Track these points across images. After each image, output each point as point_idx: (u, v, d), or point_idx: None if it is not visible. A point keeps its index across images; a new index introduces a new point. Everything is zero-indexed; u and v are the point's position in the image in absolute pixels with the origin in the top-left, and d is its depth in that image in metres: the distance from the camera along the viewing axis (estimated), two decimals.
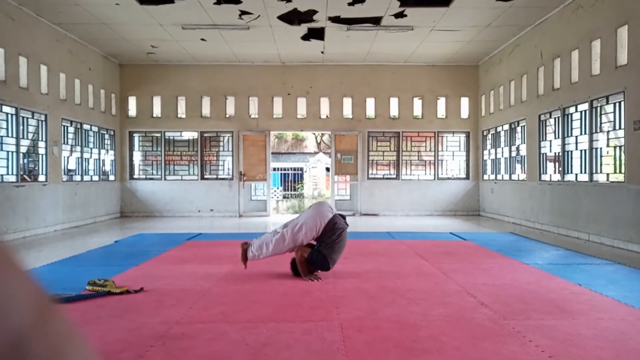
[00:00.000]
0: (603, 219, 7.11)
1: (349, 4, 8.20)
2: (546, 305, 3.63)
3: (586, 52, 7.57)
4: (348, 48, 10.91)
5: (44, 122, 8.88)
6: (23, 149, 8.39)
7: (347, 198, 12.73)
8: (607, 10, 7.05)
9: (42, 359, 0.35)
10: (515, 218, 10.26)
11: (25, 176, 8.50)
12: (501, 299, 3.82)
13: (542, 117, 9.08)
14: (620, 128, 6.81)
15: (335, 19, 8.99)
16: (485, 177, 12.16)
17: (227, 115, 12.40)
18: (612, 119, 7.08)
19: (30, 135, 8.61)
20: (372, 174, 12.57)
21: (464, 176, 12.60)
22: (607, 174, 7.19)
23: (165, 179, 12.35)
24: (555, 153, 8.80)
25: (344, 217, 4.65)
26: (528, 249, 6.56)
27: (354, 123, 12.46)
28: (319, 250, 4.49)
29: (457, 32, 9.69)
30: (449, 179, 12.59)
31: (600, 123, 7.37)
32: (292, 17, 8.86)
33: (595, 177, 7.40)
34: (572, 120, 8.12)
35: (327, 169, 23.89)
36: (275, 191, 22.20)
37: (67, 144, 9.85)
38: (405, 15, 8.75)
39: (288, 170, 26.65)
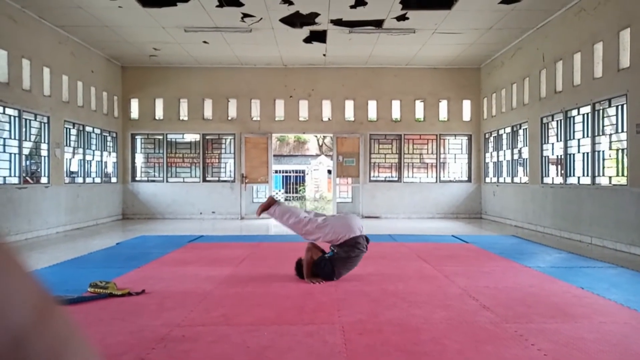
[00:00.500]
0: (606, 222, 7.08)
1: (351, 7, 8.21)
2: (548, 309, 3.62)
3: (588, 55, 7.56)
4: (350, 51, 10.92)
5: (46, 124, 8.91)
6: (26, 151, 8.41)
7: (349, 200, 12.72)
8: (609, 13, 7.04)
9: (42, 358, 0.35)
10: (517, 221, 10.24)
11: (27, 178, 8.52)
12: (503, 302, 3.80)
13: (545, 120, 9.07)
14: (622, 131, 6.79)
15: (338, 22, 9.00)
16: (488, 179, 12.14)
17: (229, 118, 12.42)
18: (614, 122, 7.06)
19: (32, 137, 8.64)
20: (373, 176, 12.56)
21: (466, 179, 12.59)
22: (610, 177, 7.17)
23: (167, 181, 12.36)
24: (557, 156, 8.79)
25: (368, 240, 4.65)
26: (530, 252, 6.55)
27: (356, 125, 12.46)
28: (330, 260, 4.49)
29: (459, 34, 9.69)
30: (451, 181, 12.58)
31: (603, 126, 7.35)
32: (294, 20, 8.87)
33: (598, 180, 7.38)
34: (574, 123, 8.10)
35: (329, 172, 23.89)
36: (277, 193, 22.21)
37: (70, 146, 9.87)
38: (408, 18, 8.76)
39: (290, 172, 26.67)
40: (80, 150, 10.28)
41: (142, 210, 12.24)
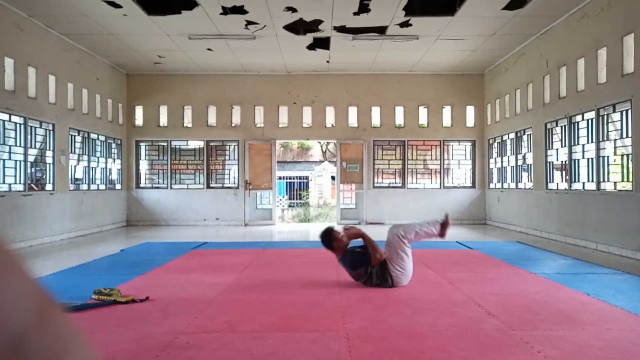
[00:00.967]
0: (611, 228, 7.04)
1: (355, 14, 8.24)
2: (554, 316, 3.59)
3: (592, 61, 7.55)
4: (353, 57, 10.95)
5: (51, 132, 8.96)
6: (31, 158, 8.45)
7: (353, 206, 12.70)
8: (613, 18, 7.04)
9: (43, 359, 0.35)
10: (521, 227, 10.19)
11: (32, 185, 8.56)
12: (508, 309, 3.78)
13: (549, 126, 9.05)
14: (627, 136, 6.77)
15: (341, 29, 9.03)
16: (492, 185, 12.11)
17: (233, 125, 12.46)
18: (619, 127, 7.04)
19: (38, 145, 8.69)
20: (377, 182, 12.55)
21: (470, 185, 12.56)
22: (615, 183, 7.14)
23: (171, 188, 12.39)
24: (562, 161, 8.76)
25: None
26: (535, 258, 6.51)
27: (360, 132, 12.47)
28: (368, 260, 4.49)
29: (462, 41, 9.70)
30: (455, 187, 12.55)
31: (607, 131, 7.33)
32: (298, 27, 8.92)
33: (603, 185, 7.34)
34: (578, 129, 8.08)
35: (333, 178, 23.86)
36: (280, 200, 22.22)
37: (75, 153, 9.92)
38: (411, 25, 8.79)
39: (294, 178, 26.69)
40: (85, 157, 10.33)
41: (146, 216, 12.27)
